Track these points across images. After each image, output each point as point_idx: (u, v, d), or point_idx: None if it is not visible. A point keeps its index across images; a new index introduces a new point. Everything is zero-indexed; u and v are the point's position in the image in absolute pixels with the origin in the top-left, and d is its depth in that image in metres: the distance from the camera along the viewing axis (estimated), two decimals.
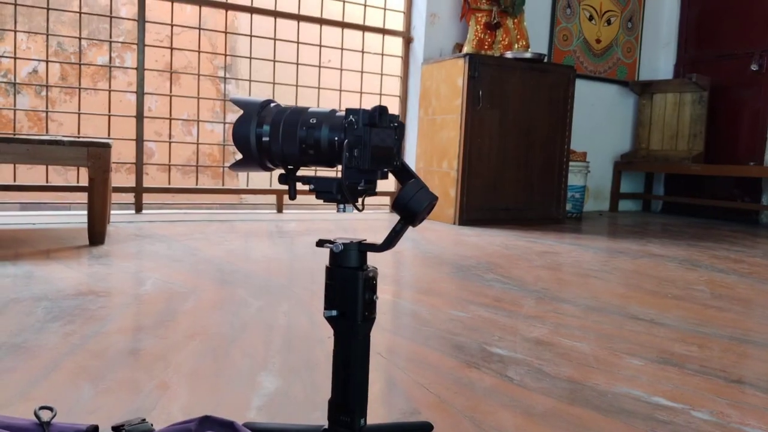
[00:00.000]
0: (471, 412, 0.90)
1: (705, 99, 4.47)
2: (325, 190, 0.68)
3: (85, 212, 2.22)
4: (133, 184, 3.24)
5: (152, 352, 1.10)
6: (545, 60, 3.78)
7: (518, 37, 3.89)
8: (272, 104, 0.71)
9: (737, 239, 3.36)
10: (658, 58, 5.12)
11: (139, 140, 3.22)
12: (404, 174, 0.72)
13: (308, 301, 1.55)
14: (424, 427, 0.82)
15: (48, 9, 2.95)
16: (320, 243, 0.73)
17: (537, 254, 2.50)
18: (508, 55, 3.65)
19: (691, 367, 1.15)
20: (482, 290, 1.76)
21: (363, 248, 0.71)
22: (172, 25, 3.32)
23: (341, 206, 0.71)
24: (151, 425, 0.65)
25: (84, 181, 3.15)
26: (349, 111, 0.65)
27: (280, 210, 3.69)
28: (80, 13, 3.05)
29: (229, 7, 3.54)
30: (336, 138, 0.66)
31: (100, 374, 0.98)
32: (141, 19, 3.20)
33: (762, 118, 4.37)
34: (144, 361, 1.05)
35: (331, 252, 0.71)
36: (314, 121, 0.67)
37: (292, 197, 0.73)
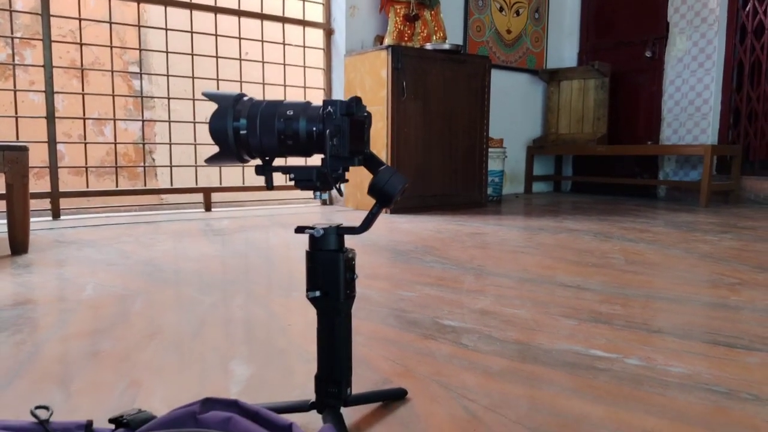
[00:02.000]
0: (436, 376, 0.98)
1: (606, 85, 4.81)
2: (304, 179, 0.73)
3: (5, 221, 2.10)
4: (48, 189, 3.08)
5: (114, 353, 1.09)
6: (462, 51, 3.93)
7: (436, 28, 4.01)
8: (245, 98, 0.74)
9: (640, 212, 3.67)
10: (563, 47, 5.45)
11: (52, 142, 3.06)
12: (373, 161, 0.78)
13: (260, 293, 1.57)
14: (399, 392, 0.89)
15: None
16: (299, 229, 0.77)
17: (467, 236, 2.63)
18: (428, 46, 3.76)
19: (618, 323, 1.29)
20: (424, 271, 1.85)
21: (341, 231, 0.77)
22: (80, 19, 3.17)
23: (317, 193, 0.76)
24: (150, 413, 0.67)
25: None
26: (326, 102, 0.70)
27: (208, 208, 3.62)
28: None
29: (141, 0, 3.41)
30: (314, 128, 0.71)
31: (66, 378, 0.97)
32: (45, 14, 3.02)
33: (657, 100, 4.77)
34: (108, 362, 1.05)
35: (312, 237, 0.76)
36: (291, 113, 0.71)
37: (269, 187, 0.76)
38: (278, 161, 0.78)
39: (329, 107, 0.70)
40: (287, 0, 3.96)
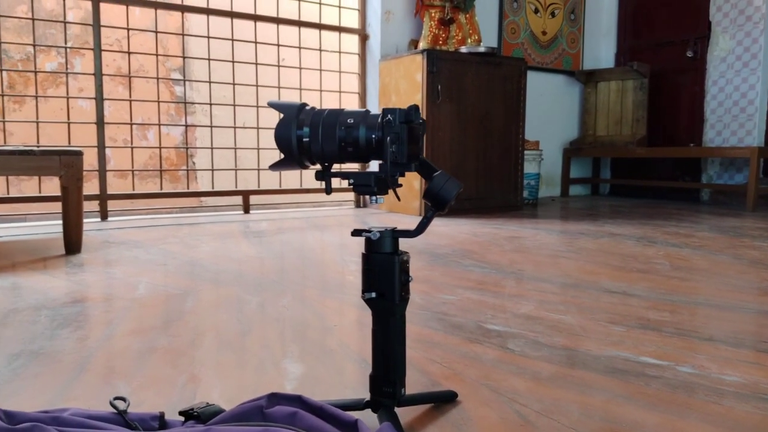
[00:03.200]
0: (485, 380, 0.99)
1: (646, 85, 4.73)
2: (363, 184, 0.75)
3: (49, 222, 2.19)
4: (96, 192, 3.19)
5: (171, 350, 1.14)
6: (497, 53, 3.92)
7: (471, 31, 4.02)
8: (307, 107, 0.77)
9: (683, 216, 3.60)
10: (600, 47, 5.38)
11: (101, 147, 3.17)
12: (426, 167, 0.80)
13: (305, 294, 1.61)
14: (450, 395, 0.91)
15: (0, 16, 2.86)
16: (356, 232, 0.79)
17: (505, 239, 2.62)
18: (463, 49, 3.77)
19: (667, 330, 1.28)
20: (464, 275, 1.86)
21: (397, 235, 0.79)
22: (128, 29, 3.27)
23: (373, 198, 0.78)
24: (219, 406, 0.71)
25: (46, 191, 3.08)
26: (386, 111, 0.72)
27: (246, 211, 3.69)
28: (33, 19, 2.97)
29: (185, 9, 3.51)
30: (373, 136, 0.73)
31: (129, 372, 1.01)
32: (96, 24, 3.14)
33: (699, 101, 4.67)
34: (167, 358, 1.09)
35: (368, 240, 0.78)
36: (352, 121, 0.74)
37: (328, 192, 0.79)
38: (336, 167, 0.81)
39: (389, 115, 0.72)
40: (324, 7, 4.01)
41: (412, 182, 3.58)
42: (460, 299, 1.56)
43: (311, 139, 0.75)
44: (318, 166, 0.79)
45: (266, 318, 1.37)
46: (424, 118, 3.49)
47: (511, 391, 0.94)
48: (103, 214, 3.17)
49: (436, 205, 0.76)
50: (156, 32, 3.36)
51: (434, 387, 0.97)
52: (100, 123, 3.14)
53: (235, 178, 3.79)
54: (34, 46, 3.00)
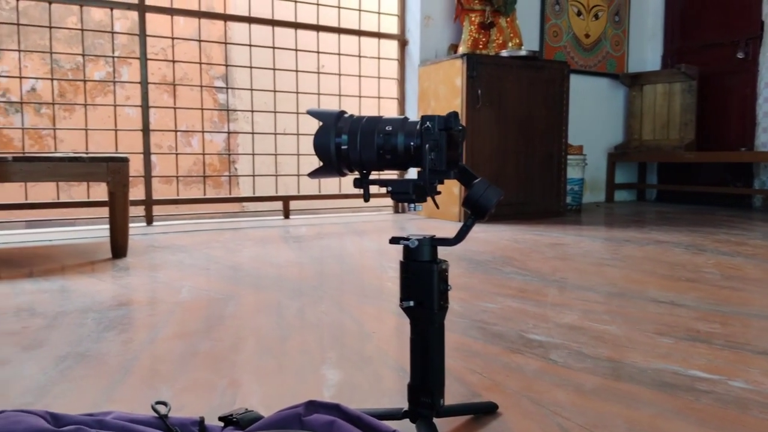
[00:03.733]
0: (527, 392, 0.97)
1: (694, 88, 4.58)
2: (402, 191, 0.74)
3: (98, 226, 2.26)
4: (141, 197, 3.28)
5: (213, 354, 1.15)
6: (539, 57, 3.87)
7: (511, 35, 3.97)
8: (346, 115, 0.77)
9: (734, 223, 3.46)
10: (645, 49, 5.24)
11: (146, 153, 3.26)
12: (466, 174, 0.78)
13: (343, 300, 1.61)
14: (490, 406, 0.89)
15: (51, 27, 2.98)
16: (394, 240, 0.79)
17: (547, 246, 2.57)
18: (504, 53, 3.72)
19: (718, 342, 1.23)
20: (504, 282, 1.83)
21: (435, 243, 0.78)
22: (173, 38, 3.36)
23: (411, 205, 0.78)
24: (257, 413, 0.71)
25: (95, 196, 3.19)
26: (425, 118, 0.71)
27: (287, 216, 3.74)
28: (82, 30, 3.09)
29: (227, 18, 3.59)
30: (412, 143, 0.73)
31: (172, 376, 1.03)
32: (142, 34, 3.23)
33: (750, 104, 4.49)
34: (208, 362, 1.10)
35: (406, 247, 0.77)
36: (390, 129, 0.73)
37: (366, 199, 0.78)
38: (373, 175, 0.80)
39: (427, 122, 0.71)
40: (363, 13, 4.03)
41: (451, 188, 3.56)
42: (500, 307, 1.53)
43: (350, 147, 0.75)
44: (356, 174, 0.78)
45: (305, 323, 1.37)
46: (464, 123, 3.46)
47: (554, 404, 0.92)
48: (149, 219, 3.26)
49: (475, 212, 0.75)
50: (199, 41, 3.44)
51: (474, 398, 0.95)
52: (146, 130, 3.23)
53: (276, 184, 3.84)
54: (83, 56, 3.11)
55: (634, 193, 5.33)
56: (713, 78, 4.71)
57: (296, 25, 3.75)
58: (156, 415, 0.67)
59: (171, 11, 3.35)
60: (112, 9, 3.17)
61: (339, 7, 3.91)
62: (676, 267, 2.07)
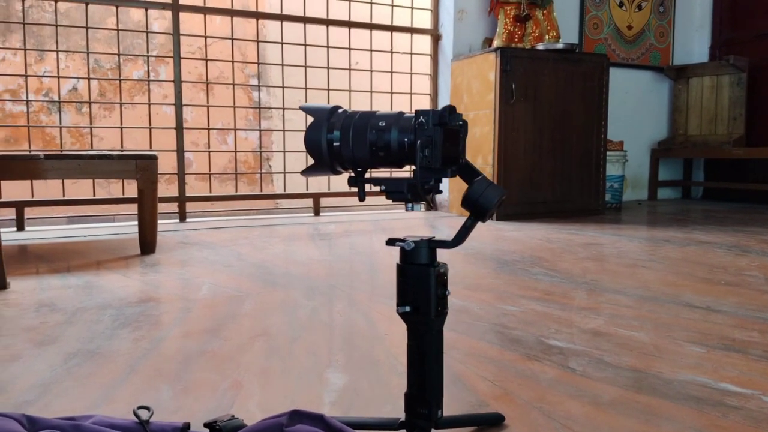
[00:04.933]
0: (538, 402, 0.92)
1: (744, 81, 4.36)
2: (396, 191, 0.70)
3: (132, 223, 2.29)
4: (175, 194, 3.32)
5: (220, 354, 1.14)
6: (577, 50, 3.74)
7: (548, 28, 3.85)
8: (340, 110, 0.74)
9: None
10: (692, 41, 5.02)
11: (180, 151, 3.30)
12: (468, 171, 0.74)
13: (360, 300, 1.58)
14: (496, 417, 0.84)
15: (87, 28, 3.05)
16: (390, 242, 0.75)
17: (581, 246, 2.48)
18: (540, 46, 3.62)
19: (754, 352, 1.14)
20: (530, 284, 1.77)
21: (433, 245, 0.73)
22: (205, 37, 3.39)
23: (409, 205, 0.74)
24: (242, 420, 0.68)
25: (129, 193, 3.25)
26: (419, 112, 0.67)
27: (317, 213, 3.73)
28: (118, 30, 3.15)
29: (259, 16, 3.60)
30: (406, 139, 0.68)
31: (175, 376, 1.02)
32: (175, 33, 3.27)
33: None
34: (214, 362, 1.09)
35: (402, 250, 0.73)
36: (383, 124, 0.69)
37: (361, 199, 0.75)
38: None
39: (421, 117, 0.67)
40: (395, 8, 3.99)
41: None
42: (523, 311, 1.47)
43: (342, 144, 0.71)
44: (351, 172, 0.75)
45: (318, 324, 1.35)
46: (497, 118, 3.38)
47: (566, 417, 0.86)
48: (182, 216, 3.30)
49: (475, 213, 0.70)
50: (232, 39, 3.47)
51: (481, 408, 0.90)
52: (179, 128, 3.27)
53: (307, 181, 3.84)
54: (118, 55, 3.17)
55: (679, 190, 5.12)
56: (764, 70, 4.47)
57: (328, 22, 3.73)
58: (137, 420, 0.65)
59: (204, 10, 3.38)
60: (146, 9, 3.22)
61: (371, 3, 3.87)
62: (716, 269, 1.96)
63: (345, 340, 1.23)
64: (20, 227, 2.87)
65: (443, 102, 4.04)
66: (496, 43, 3.74)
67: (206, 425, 0.68)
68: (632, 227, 3.14)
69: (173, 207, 3.33)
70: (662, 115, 4.97)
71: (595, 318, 1.39)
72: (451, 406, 0.90)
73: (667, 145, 4.80)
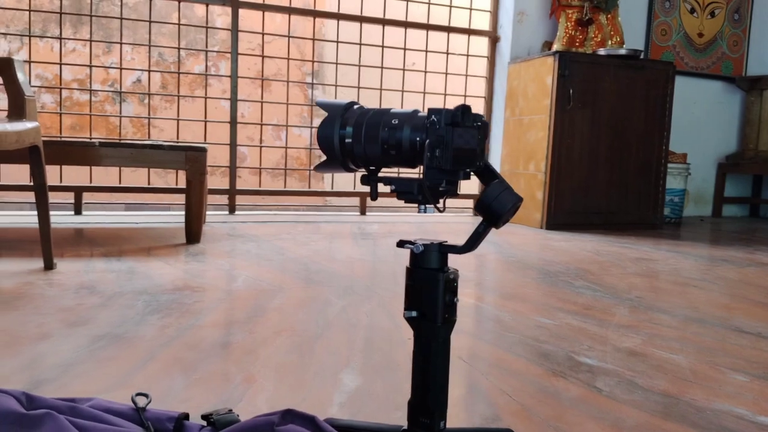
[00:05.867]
0: (555, 422, 0.87)
1: None
2: (406, 191, 0.68)
3: (184, 213, 2.35)
4: (227, 187, 3.40)
5: (242, 346, 1.14)
6: (641, 56, 3.59)
7: (612, 33, 3.72)
8: (355, 106, 0.72)
9: None
10: None
11: (233, 145, 3.38)
12: (487, 175, 0.71)
13: (390, 302, 1.56)
14: None
15: (150, 22, 3.16)
16: (401, 244, 0.73)
17: (631, 261, 2.38)
18: (601, 52, 3.50)
19: None
20: (571, 297, 1.70)
21: (444, 249, 0.71)
22: (263, 34, 3.46)
23: (422, 207, 0.71)
24: (237, 416, 0.68)
25: (183, 184, 3.35)
26: (431, 111, 0.65)
27: (363, 212, 3.74)
28: (179, 24, 3.25)
29: (317, 14, 3.65)
30: (418, 138, 0.66)
31: (192, 365, 1.03)
32: (234, 29, 3.35)
33: None
34: (234, 355, 1.09)
35: (412, 253, 0.71)
36: (396, 122, 0.67)
37: (374, 198, 0.73)
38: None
39: (433, 116, 0.64)
40: (453, 9, 3.94)
41: (534, 192, 3.39)
42: (557, 324, 1.41)
43: (354, 140, 0.69)
44: (365, 170, 0.73)
45: (344, 323, 1.34)
46: (553, 124, 3.29)
47: None
48: (231, 208, 3.38)
49: (488, 218, 0.67)
50: (288, 36, 3.52)
51: (494, 422, 0.87)
52: (233, 122, 3.35)
53: (354, 180, 3.85)
54: (178, 49, 3.27)
55: (747, 208, 4.84)
56: None
57: (384, 22, 3.73)
58: (134, 406, 0.65)
59: (263, 7, 3.44)
60: (207, 5, 3.31)
61: (429, 3, 3.84)
62: None
63: (367, 342, 1.21)
64: (78, 211, 3.01)
65: (498, 105, 3.96)
66: (556, 47, 3.64)
67: (204, 417, 0.68)
68: (690, 244, 2.98)
69: (225, 199, 3.41)
70: (732, 128, 4.71)
71: (633, 337, 1.32)
72: (460, 417, 0.87)
73: (735, 159, 4.55)
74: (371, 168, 0.72)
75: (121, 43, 3.11)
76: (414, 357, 0.73)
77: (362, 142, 0.69)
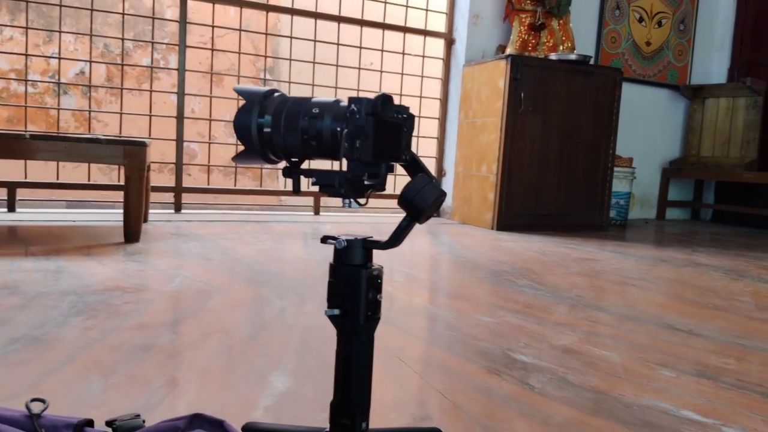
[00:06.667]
0: (485, 419, 0.86)
1: (760, 104, 4.26)
2: (327, 184, 0.66)
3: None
4: (173, 184, 3.30)
5: (168, 349, 1.09)
6: (591, 62, 3.67)
7: (563, 38, 3.79)
8: (276, 94, 0.69)
9: None
10: (712, 61, 4.91)
11: (179, 140, 3.28)
12: (415, 168, 0.69)
13: None
14: None
15: (92, 10, 3.04)
16: (324, 239, 0.70)
17: (575, 261, 2.41)
18: (552, 56, 3.56)
19: (726, 380, 1.07)
20: (513, 296, 1.71)
21: (368, 245, 0.69)
22: (213, 27, 3.38)
23: (346, 201, 0.69)
24: (143, 421, 0.64)
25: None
26: (351, 100, 0.62)
27: (317, 212, 3.69)
28: (123, 14, 3.14)
29: (270, 8, 3.58)
30: (338, 128, 0.64)
31: (112, 369, 0.98)
32: (182, 21, 3.26)
33: None
34: (158, 358, 1.05)
35: (335, 248, 0.69)
36: (317, 111, 0.65)
37: (296, 192, 0.70)
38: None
39: (353, 105, 0.62)
40: (410, 10, 3.94)
41: (486, 193, 3.42)
42: (497, 322, 1.41)
43: (273, 130, 0.66)
44: (286, 162, 0.70)
45: (281, 324, 1.30)
46: (504, 127, 3.32)
47: None
48: (177, 206, 3.28)
49: (411, 213, 0.65)
50: (240, 30, 3.45)
51: (424, 421, 0.85)
52: (180, 117, 3.26)
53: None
54: (122, 40, 3.16)
55: (688, 212, 5.01)
56: None
57: (339, 19, 3.70)
58: (27, 413, 0.60)
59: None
60: None
61: (385, 2, 3.83)
62: (707, 292, 1.88)
63: (303, 343, 1.18)
64: (11, 208, 2.86)
65: (453, 107, 3.98)
66: (509, 51, 3.68)
67: (107, 423, 0.64)
68: (633, 245, 3.06)
69: (172, 198, 3.31)
70: (676, 135, 4.87)
71: (570, 334, 1.33)
72: (390, 417, 0.85)
73: (678, 164, 4.71)
74: (293, 160, 0.69)
75: (60, 32, 2.97)
76: (336, 356, 0.71)
77: (281, 132, 0.66)
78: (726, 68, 4.86)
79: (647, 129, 4.69)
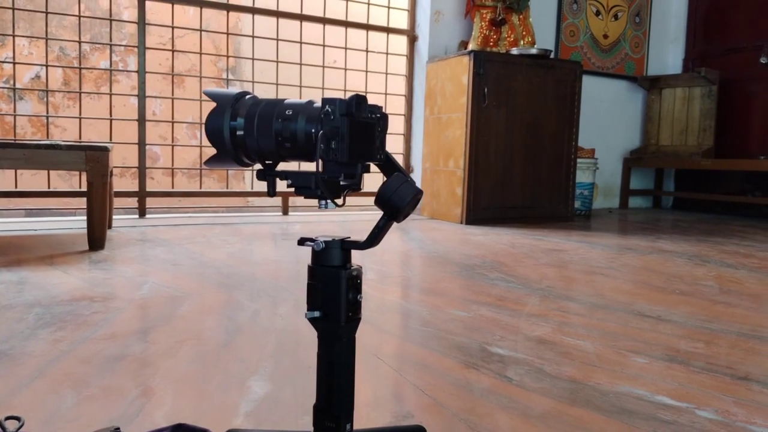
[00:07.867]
0: (466, 414, 0.87)
1: (714, 93, 4.40)
2: (303, 186, 0.65)
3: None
4: (137, 189, 3.23)
5: (141, 358, 1.07)
6: (551, 56, 3.73)
7: (524, 33, 3.84)
8: (247, 96, 0.68)
9: (747, 234, 3.29)
10: (667, 52, 5.05)
11: (142, 144, 3.21)
12: (389, 167, 0.69)
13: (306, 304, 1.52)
14: (417, 430, 0.79)
15: (47, 13, 2.94)
16: (302, 241, 0.70)
17: (543, 252, 2.45)
18: (514, 51, 3.60)
19: (696, 364, 1.11)
20: (486, 289, 1.73)
21: (346, 246, 0.68)
22: (173, 27, 3.31)
23: (323, 202, 0.68)
24: None
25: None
26: (325, 101, 0.62)
27: (285, 212, 3.66)
28: (79, 16, 3.05)
29: (230, 8, 3.53)
30: (313, 130, 0.63)
31: (84, 381, 0.95)
32: (141, 22, 3.19)
33: None
34: (131, 368, 1.02)
35: (313, 250, 0.68)
36: (290, 113, 0.64)
37: (271, 194, 0.69)
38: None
39: (327, 106, 0.62)
40: (372, 7, 3.94)
41: (454, 188, 3.45)
42: (472, 316, 1.43)
43: (246, 133, 0.65)
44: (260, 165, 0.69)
45: (255, 328, 1.29)
46: (470, 122, 3.35)
47: (492, 429, 0.82)
48: (141, 211, 3.21)
49: (388, 212, 0.65)
50: (200, 31, 3.39)
51: (405, 419, 0.85)
52: (142, 120, 3.18)
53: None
54: (79, 42, 3.07)
55: (650, 200, 5.15)
56: (735, 83, 4.51)
57: (302, 17, 3.67)
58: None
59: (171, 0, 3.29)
60: None
61: (347, 0, 3.81)
62: (672, 278, 1.94)
63: (279, 346, 1.17)
64: None
65: (418, 104, 4.00)
66: (471, 46, 3.71)
67: None
68: (598, 235, 3.13)
69: (135, 202, 3.24)
70: (635, 125, 5.00)
71: (543, 325, 1.35)
72: (371, 417, 0.85)
73: (639, 154, 4.83)
74: (267, 162, 0.68)
75: (14, 36, 2.87)
76: (318, 359, 0.70)
77: (255, 135, 0.65)
78: (681, 59, 5.00)
79: (608, 120, 4.79)
